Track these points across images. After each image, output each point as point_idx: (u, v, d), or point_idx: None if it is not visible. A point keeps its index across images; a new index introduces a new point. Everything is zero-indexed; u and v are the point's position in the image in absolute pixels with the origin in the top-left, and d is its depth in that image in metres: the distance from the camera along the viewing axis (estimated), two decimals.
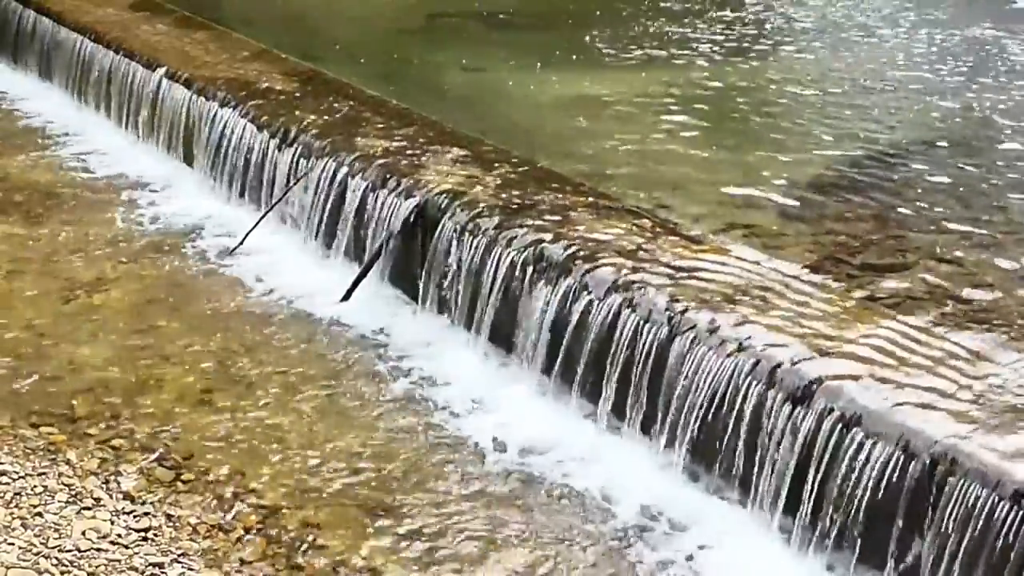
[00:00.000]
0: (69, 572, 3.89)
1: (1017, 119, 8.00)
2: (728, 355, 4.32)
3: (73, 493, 4.34)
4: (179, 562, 4.01)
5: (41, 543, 4.02)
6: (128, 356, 5.40)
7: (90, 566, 3.93)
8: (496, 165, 6.14)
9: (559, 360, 4.96)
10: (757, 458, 4.21)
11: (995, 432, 3.75)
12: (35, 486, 4.36)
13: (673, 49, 9.60)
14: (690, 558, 4.15)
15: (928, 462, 3.71)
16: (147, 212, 7.08)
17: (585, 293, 4.88)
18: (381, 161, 6.21)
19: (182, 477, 4.52)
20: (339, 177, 6.27)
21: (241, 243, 6.51)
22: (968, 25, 10.98)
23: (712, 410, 4.33)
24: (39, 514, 4.19)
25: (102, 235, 6.74)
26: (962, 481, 3.62)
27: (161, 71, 7.91)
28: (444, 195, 5.73)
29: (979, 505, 3.56)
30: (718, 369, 4.32)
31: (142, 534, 4.14)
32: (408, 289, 5.88)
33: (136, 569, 3.95)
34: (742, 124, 7.67)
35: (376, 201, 5.99)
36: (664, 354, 4.53)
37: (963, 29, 10.85)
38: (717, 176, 6.57)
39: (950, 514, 3.63)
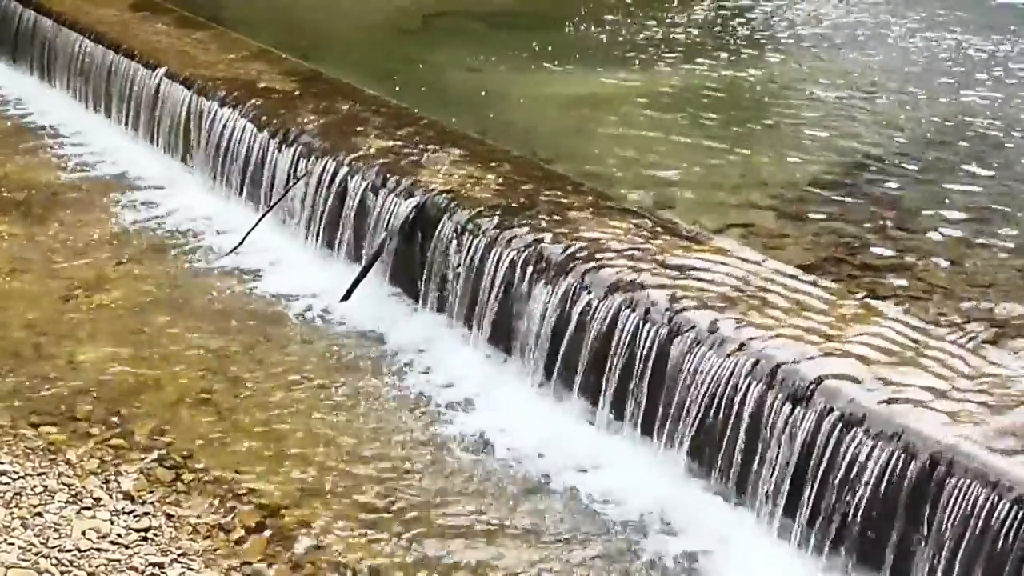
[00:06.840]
0: (69, 572, 3.89)
1: (1016, 119, 8.00)
2: (728, 355, 4.32)
3: (73, 493, 4.34)
4: (179, 562, 4.01)
5: (41, 543, 4.01)
6: (128, 356, 5.40)
7: (90, 566, 3.93)
8: (496, 165, 6.14)
9: (559, 360, 4.96)
10: (757, 458, 4.22)
11: (995, 432, 3.75)
12: (35, 486, 4.36)
13: (673, 49, 9.60)
14: (689, 558, 4.15)
15: (928, 462, 3.71)
16: (147, 212, 7.08)
17: (585, 293, 4.88)
18: (381, 161, 6.21)
19: (182, 477, 4.52)
20: (339, 177, 6.27)
21: (241, 243, 6.51)
22: (960, 24, 10.98)
23: (712, 410, 4.34)
24: (39, 514, 4.19)
25: (102, 235, 6.74)
26: (962, 481, 3.62)
27: (161, 71, 7.91)
28: (444, 195, 5.74)
29: (979, 505, 3.57)
30: (718, 369, 4.32)
31: (142, 534, 4.14)
32: (408, 289, 5.88)
33: (136, 569, 3.95)
34: (742, 124, 7.67)
35: (376, 201, 5.99)
36: (664, 354, 4.53)
37: (957, 29, 10.85)
38: (717, 176, 6.57)
39: (949, 514, 3.63)
